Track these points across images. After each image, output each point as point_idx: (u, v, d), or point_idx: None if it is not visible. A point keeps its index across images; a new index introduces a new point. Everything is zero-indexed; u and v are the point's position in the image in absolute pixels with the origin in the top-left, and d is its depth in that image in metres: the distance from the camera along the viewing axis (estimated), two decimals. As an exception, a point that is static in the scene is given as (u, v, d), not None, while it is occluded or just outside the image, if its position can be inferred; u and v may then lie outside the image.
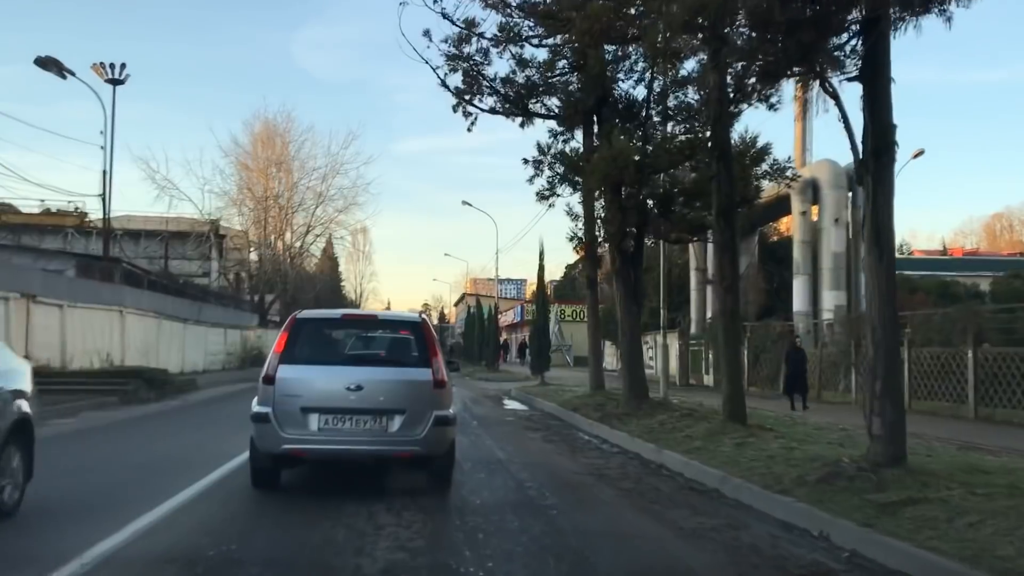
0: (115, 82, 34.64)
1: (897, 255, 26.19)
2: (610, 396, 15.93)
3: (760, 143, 11.91)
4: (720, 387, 27.10)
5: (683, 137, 13.03)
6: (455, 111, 13.51)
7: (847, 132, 6.93)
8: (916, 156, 34.63)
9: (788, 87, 9.58)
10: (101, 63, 34.96)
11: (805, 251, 26.20)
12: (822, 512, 5.89)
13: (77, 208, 46.12)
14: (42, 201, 47.27)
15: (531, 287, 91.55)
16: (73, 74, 26.85)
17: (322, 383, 6.72)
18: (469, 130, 13.89)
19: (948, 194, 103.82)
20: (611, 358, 45.90)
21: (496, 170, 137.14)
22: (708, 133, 13.07)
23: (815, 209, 26.27)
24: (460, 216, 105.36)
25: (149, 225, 48.20)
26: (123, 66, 34.87)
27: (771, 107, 12.94)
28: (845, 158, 27.31)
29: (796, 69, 7.48)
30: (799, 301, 26.27)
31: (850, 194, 25.64)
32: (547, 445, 11.22)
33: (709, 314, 31.33)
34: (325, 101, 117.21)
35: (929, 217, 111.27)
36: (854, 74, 6.96)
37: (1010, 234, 75.53)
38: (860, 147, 6.87)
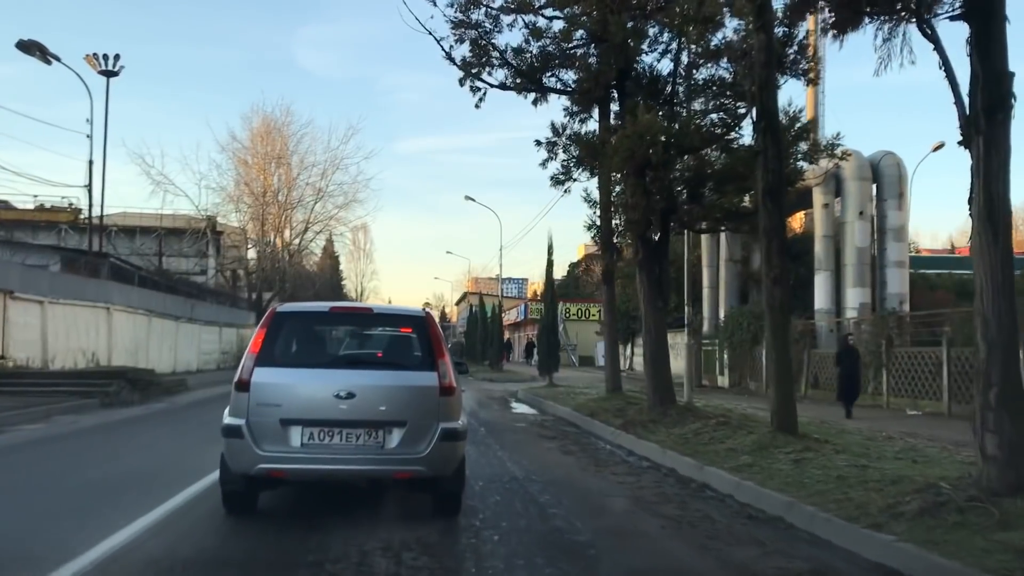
0: (109, 73, 33.54)
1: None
2: (630, 400, 14.64)
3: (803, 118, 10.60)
4: (739, 389, 26.15)
5: (716, 115, 11.73)
6: (461, 85, 12.22)
7: (950, 83, 5.65)
8: (936, 149, 33.39)
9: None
10: (94, 54, 33.86)
11: (827, 246, 24.82)
12: (940, 558, 4.60)
13: (71, 204, 45.12)
14: (35, 197, 46.47)
15: (532, 287, 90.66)
16: (58, 59, 25.63)
17: (306, 390, 5.66)
18: (477, 106, 12.61)
19: (951, 193, 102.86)
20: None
21: (497, 170, 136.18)
22: (742, 111, 11.86)
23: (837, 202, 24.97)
24: (461, 215, 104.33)
25: (145, 222, 47.10)
26: (116, 57, 33.75)
27: (809, 81, 11.72)
28: (868, 147, 25.81)
29: (876, 9, 6.17)
30: (821, 298, 24.92)
31: (874, 186, 24.30)
32: (566, 458, 9.93)
33: (722, 312, 30.05)
34: (325, 100, 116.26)
35: (933, 216, 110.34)
36: (956, 12, 5.66)
37: (1014, 234, 74.65)
38: (967, 102, 5.58)
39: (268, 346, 5.79)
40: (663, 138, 10.81)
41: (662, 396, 11.92)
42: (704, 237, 30.02)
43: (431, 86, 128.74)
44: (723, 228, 13.68)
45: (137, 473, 8.15)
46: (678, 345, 25.20)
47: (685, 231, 14.58)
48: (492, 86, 12.41)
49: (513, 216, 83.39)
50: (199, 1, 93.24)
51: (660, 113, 11.38)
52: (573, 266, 72.47)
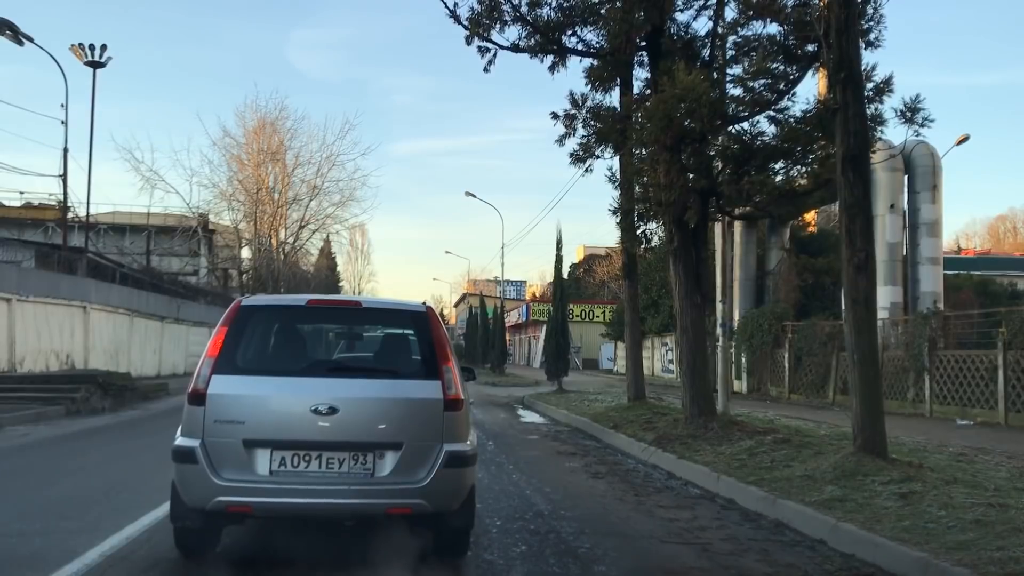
0: (95, 64, 32.25)
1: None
2: (656, 409, 12.98)
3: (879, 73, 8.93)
4: (758, 395, 24.50)
5: (761, 80, 10.03)
6: (468, 43, 10.53)
7: None
8: (960, 143, 31.79)
9: None
10: (80, 44, 32.50)
11: (855, 241, 23.17)
12: None
13: (60, 202, 43.75)
14: (21, 193, 45.26)
15: (531, 290, 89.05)
16: (31, 39, 24.01)
17: (277, 403, 4.61)
18: (486, 70, 10.92)
19: (952, 196, 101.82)
20: (623, 361, 42.97)
21: (495, 172, 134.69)
22: (793, 76, 10.21)
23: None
24: (460, 217, 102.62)
25: (135, 220, 45.71)
26: (103, 48, 32.49)
27: (868, 44, 10.06)
28: (898, 135, 24.23)
29: None
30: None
31: (906, 177, 22.68)
32: (596, 483, 8.24)
33: (736, 314, 28.40)
34: (319, 102, 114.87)
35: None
36: None
37: (1014, 237, 74.45)
38: None
39: (230, 348, 4.74)
40: (707, 104, 9.13)
41: (701, 407, 10.24)
42: (717, 235, 28.40)
43: (426, 88, 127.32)
44: (767, 214, 11.92)
45: (73, 502, 6.48)
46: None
47: (720, 219, 12.83)
48: (502, 47, 10.74)
49: (511, 219, 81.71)
50: (190, 2, 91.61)
51: (702, 77, 9.69)
52: (574, 267, 71.51)
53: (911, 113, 8.48)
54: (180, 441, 4.59)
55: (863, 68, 8.82)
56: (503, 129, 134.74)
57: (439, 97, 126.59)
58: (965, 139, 31.68)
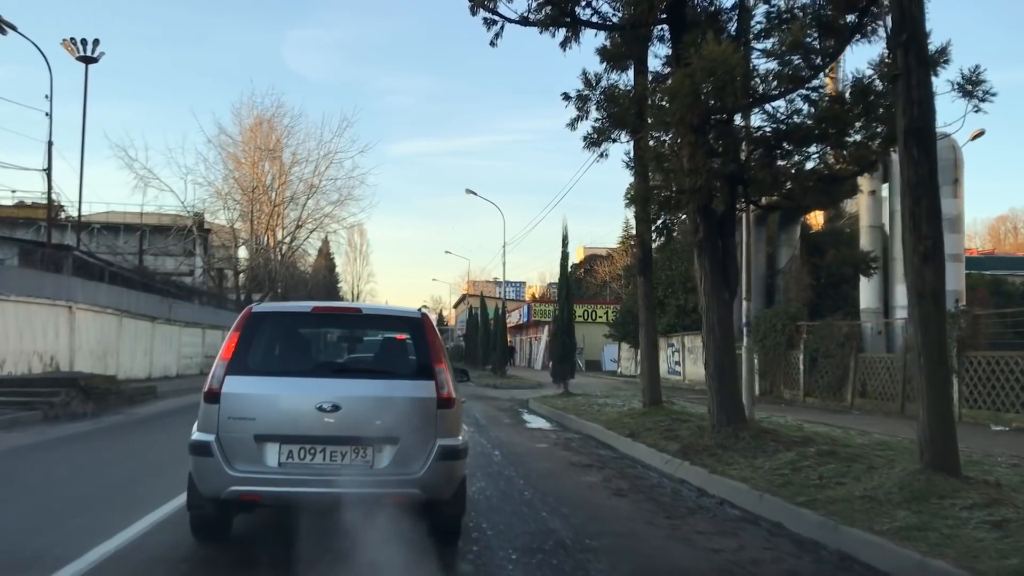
0: (87, 60, 31.46)
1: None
2: (675, 415, 12.04)
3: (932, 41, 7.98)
4: (771, 398, 23.57)
5: (795, 56, 9.08)
6: (473, 14, 9.61)
7: None
8: (975, 137, 30.90)
9: None
10: (71, 38, 31.69)
11: (874, 238, 22.26)
12: None
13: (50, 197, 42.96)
14: (13, 192, 44.46)
15: (530, 290, 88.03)
16: (14, 28, 23.08)
17: (285, 401, 5.03)
18: (493, 44, 9.92)
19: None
20: (628, 363, 42.00)
21: (494, 173, 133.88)
22: (832, 50, 9.28)
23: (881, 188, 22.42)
24: (459, 218, 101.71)
25: (129, 220, 44.80)
26: (96, 43, 31.68)
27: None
28: (948, 114, 23.21)
29: None
30: (867, 297, 22.36)
31: (927, 171, 21.79)
32: (619, 501, 7.28)
33: (744, 313, 27.44)
34: (316, 103, 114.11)
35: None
36: None
37: (1015, 237, 73.99)
38: None
39: (242, 351, 5.15)
40: (739, 78, 8.19)
41: (730, 414, 9.29)
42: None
43: (424, 89, 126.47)
44: (797, 202, 10.88)
45: (10, 531, 5.54)
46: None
47: (744, 210, 11.87)
48: (510, 20, 9.78)
49: (510, 220, 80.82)
50: (186, 1, 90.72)
51: (732, 49, 8.75)
52: (575, 267, 70.66)
53: (972, 86, 7.49)
54: (196, 436, 4.95)
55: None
56: (502, 130, 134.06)
57: (436, 98, 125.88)
58: (980, 133, 30.78)
